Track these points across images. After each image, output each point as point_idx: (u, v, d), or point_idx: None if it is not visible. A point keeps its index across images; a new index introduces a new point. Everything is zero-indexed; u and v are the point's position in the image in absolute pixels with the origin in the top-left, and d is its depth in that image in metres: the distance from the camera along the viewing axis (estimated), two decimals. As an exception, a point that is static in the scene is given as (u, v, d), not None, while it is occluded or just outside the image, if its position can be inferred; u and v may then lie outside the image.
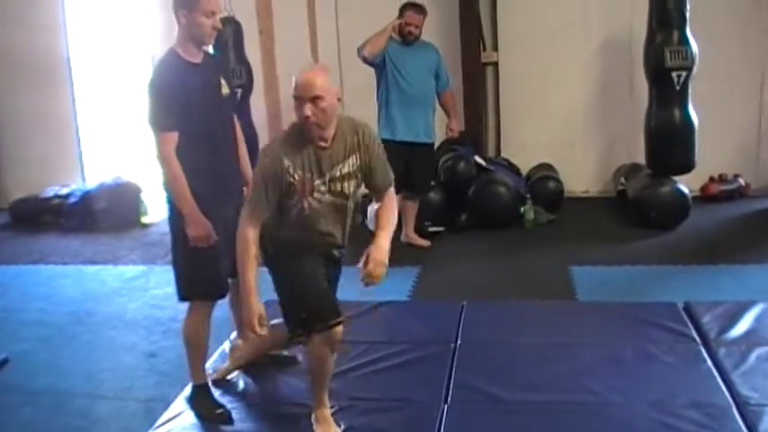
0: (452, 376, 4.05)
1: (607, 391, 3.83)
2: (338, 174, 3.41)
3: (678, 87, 7.11)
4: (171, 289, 5.35)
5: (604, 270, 5.95)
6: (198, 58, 3.76)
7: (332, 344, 3.50)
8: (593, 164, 8.55)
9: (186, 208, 3.64)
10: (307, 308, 3.47)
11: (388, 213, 3.59)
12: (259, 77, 7.99)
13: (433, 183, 7.04)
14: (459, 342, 4.43)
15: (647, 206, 7.18)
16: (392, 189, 3.63)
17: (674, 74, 7.09)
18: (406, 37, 6.49)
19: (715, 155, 7.95)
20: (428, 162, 6.90)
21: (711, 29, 7.54)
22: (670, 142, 7.26)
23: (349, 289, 5.81)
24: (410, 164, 6.51)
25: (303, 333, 3.49)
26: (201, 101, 3.70)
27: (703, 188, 8.16)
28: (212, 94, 3.81)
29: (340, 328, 3.48)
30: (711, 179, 8.19)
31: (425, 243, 6.91)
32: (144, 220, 8.12)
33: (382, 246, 3.44)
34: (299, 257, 3.51)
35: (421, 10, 6.55)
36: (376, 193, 3.64)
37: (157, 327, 5.26)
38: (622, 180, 7.93)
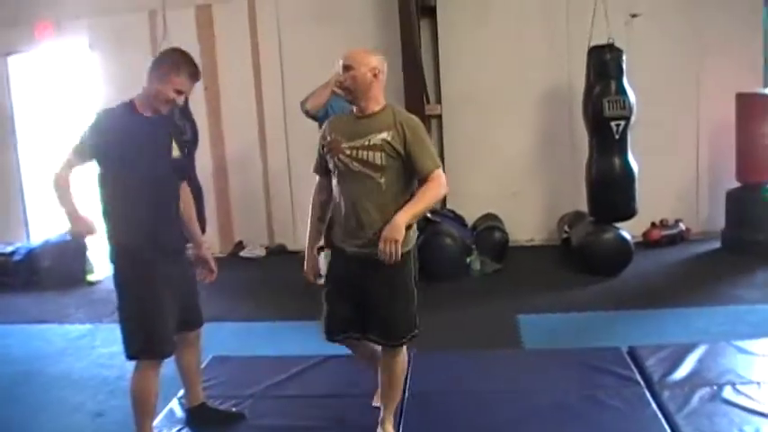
0: (401, 427, 4.07)
1: (554, 437, 3.88)
2: (367, 143, 3.74)
3: (617, 136, 7.27)
4: (118, 347, 5.29)
5: (550, 317, 6.02)
6: (151, 113, 3.82)
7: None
8: (537, 213, 8.67)
9: (66, 207, 3.68)
10: None
11: (420, 193, 3.76)
12: (204, 133, 8.01)
13: None
14: (407, 393, 4.43)
15: (591, 253, 7.29)
16: (437, 175, 3.76)
17: (612, 123, 7.25)
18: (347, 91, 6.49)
19: (656, 201, 8.12)
20: None
21: (648, 80, 7.77)
22: (611, 190, 7.40)
23: (297, 343, 5.88)
24: None
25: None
26: (145, 153, 3.74)
27: (645, 234, 8.31)
28: (158, 150, 3.85)
29: None
30: (653, 225, 8.35)
31: None
32: (90, 277, 8.03)
33: (396, 223, 3.64)
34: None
35: None
36: (418, 177, 3.80)
37: (104, 386, 5.18)
38: (566, 228, 8.05)
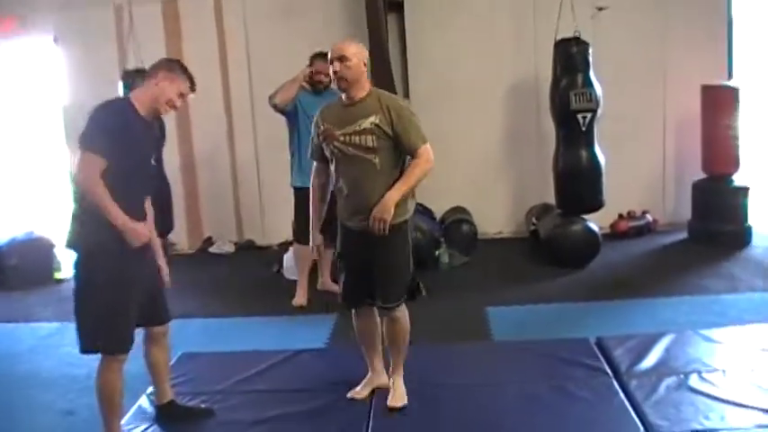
0: (370, 422, 4.08)
1: (522, 427, 3.92)
2: (357, 128, 4.09)
3: (584, 129, 7.31)
4: (86, 345, 5.26)
5: (519, 309, 6.05)
6: (148, 117, 3.86)
7: None
8: (505, 206, 8.71)
9: (119, 220, 3.64)
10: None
11: (409, 171, 4.15)
12: (172, 130, 7.97)
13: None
14: (376, 388, 4.45)
15: (559, 245, 7.34)
16: (423, 151, 4.13)
17: (579, 116, 7.29)
18: (315, 86, 6.46)
19: (623, 193, 8.19)
20: None
21: (614, 73, 7.83)
22: (578, 182, 7.45)
23: (266, 338, 5.88)
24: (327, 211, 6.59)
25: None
26: (138, 154, 3.78)
27: (613, 225, 8.37)
28: (146, 148, 3.91)
29: None
30: (620, 216, 8.41)
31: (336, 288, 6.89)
32: (57, 275, 7.96)
33: (384, 202, 4.06)
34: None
35: (327, 57, 6.54)
36: (407, 154, 4.17)
37: (74, 384, 5.13)
38: (534, 220, 8.09)
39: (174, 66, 3.90)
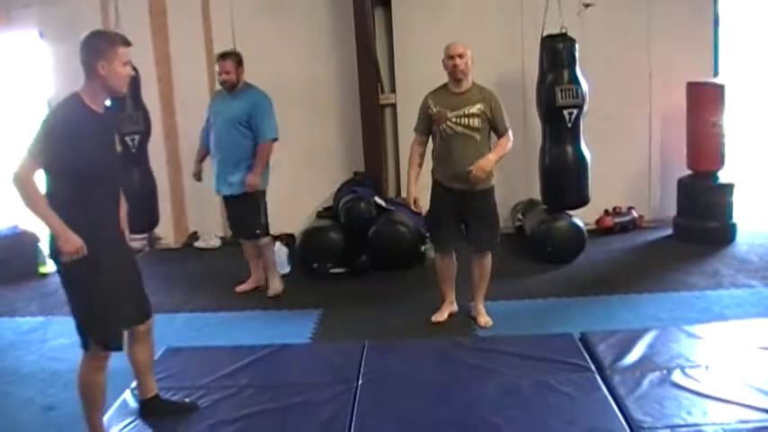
0: (354, 417, 4.06)
1: (505, 422, 3.91)
2: (466, 111, 5.42)
3: (570, 125, 7.32)
4: (69, 340, 5.23)
5: (504, 305, 6.06)
6: (100, 108, 3.78)
7: None
8: (491, 201, 8.69)
9: (52, 224, 3.59)
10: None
11: (501, 145, 5.54)
12: (157, 124, 7.94)
13: (265, 229, 6.68)
14: (360, 382, 4.46)
15: (544, 241, 7.35)
16: (509, 133, 5.55)
17: (565, 112, 7.30)
18: (223, 86, 6.45)
19: (609, 189, 8.22)
20: (249, 210, 6.54)
21: (600, 69, 7.85)
22: (564, 178, 7.46)
23: (251, 333, 5.89)
24: (234, 215, 6.78)
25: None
26: (95, 150, 3.71)
27: (598, 221, 8.40)
28: (106, 146, 3.85)
29: None
30: (606, 212, 8.44)
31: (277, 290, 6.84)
32: (42, 269, 7.92)
33: (488, 158, 5.40)
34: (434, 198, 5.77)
35: (228, 56, 6.42)
36: (496, 135, 5.55)
37: (56, 379, 5.13)
38: (519, 216, 8.11)
39: (100, 44, 3.71)
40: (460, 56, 5.38)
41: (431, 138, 5.67)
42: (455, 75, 5.44)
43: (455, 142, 5.44)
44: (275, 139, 6.45)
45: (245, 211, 6.56)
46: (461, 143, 5.42)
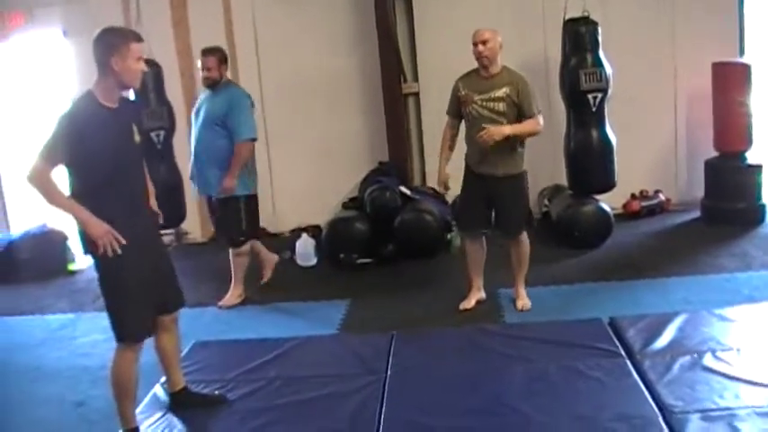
0: (383, 408, 4.06)
1: (535, 409, 3.89)
2: (492, 95, 5.47)
3: (594, 109, 7.28)
4: (99, 336, 5.31)
5: (531, 291, 6.01)
6: (115, 103, 3.78)
7: None
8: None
9: (78, 213, 3.65)
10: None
11: (523, 123, 5.48)
12: (181, 119, 7.96)
13: (242, 237, 6.38)
14: (389, 373, 4.46)
15: (571, 226, 7.31)
16: (536, 117, 5.51)
17: (589, 96, 7.25)
18: (204, 83, 6.22)
19: (635, 172, 8.16)
20: (229, 215, 6.27)
21: (624, 52, 7.77)
22: (589, 163, 7.41)
23: (279, 325, 5.90)
24: (215, 217, 6.48)
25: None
26: (113, 146, 3.72)
27: (625, 205, 8.33)
28: (124, 140, 3.84)
29: None
30: (633, 196, 8.37)
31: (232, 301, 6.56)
32: (71, 267, 7.98)
33: (501, 128, 5.39)
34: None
35: (210, 52, 6.20)
36: (524, 119, 5.49)
37: (85, 375, 5.17)
38: (546, 202, 8.07)
39: (113, 40, 3.71)
40: (484, 42, 5.44)
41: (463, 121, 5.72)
42: (481, 61, 5.50)
43: (480, 125, 5.46)
44: (254, 139, 6.18)
45: (225, 215, 6.28)
46: (486, 126, 5.42)
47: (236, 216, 6.25)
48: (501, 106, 5.45)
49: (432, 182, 8.44)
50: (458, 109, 5.67)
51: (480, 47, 5.45)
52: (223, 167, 6.07)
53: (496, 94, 5.46)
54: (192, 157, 6.31)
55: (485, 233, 5.91)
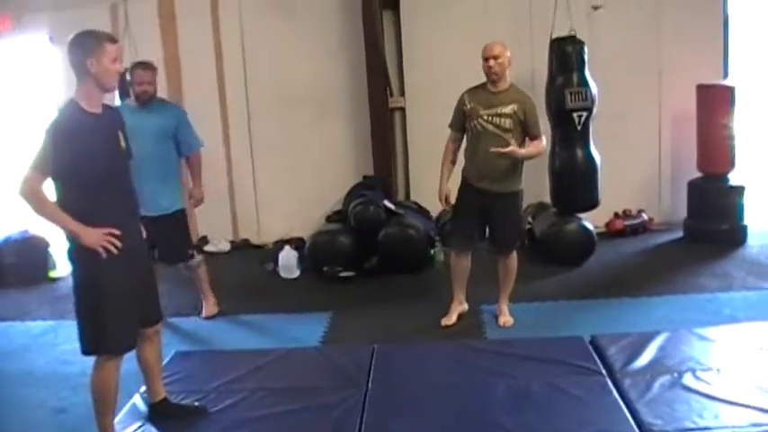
0: (364, 420, 4.06)
1: (516, 426, 3.90)
2: (499, 111, 5.44)
3: (579, 127, 7.32)
4: (80, 344, 5.23)
5: (514, 307, 6.02)
6: (98, 109, 3.78)
7: None
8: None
9: (69, 225, 3.64)
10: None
11: (532, 145, 5.57)
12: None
13: (192, 249, 6.40)
14: (370, 385, 4.46)
15: (554, 244, 7.33)
16: (541, 138, 5.60)
17: (574, 114, 7.30)
18: (139, 98, 5.91)
19: (619, 191, 8.19)
20: (180, 230, 6.17)
21: (609, 71, 7.83)
22: (574, 181, 7.46)
23: (260, 336, 5.89)
24: (162, 238, 5.71)
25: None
26: (99, 153, 3.71)
27: (608, 224, 8.37)
28: (110, 146, 3.83)
29: None
30: (616, 215, 8.41)
31: (212, 311, 6.49)
32: (52, 274, 7.93)
33: (519, 149, 5.44)
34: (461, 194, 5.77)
35: (149, 66, 6.02)
36: (529, 138, 5.57)
37: (66, 382, 5.14)
38: (529, 219, 8.08)
39: (87, 42, 3.71)
40: (495, 57, 5.41)
41: (465, 136, 5.72)
42: (490, 76, 5.49)
43: (484, 140, 5.46)
44: (202, 146, 6.26)
45: (177, 231, 6.11)
46: (490, 142, 5.42)
47: (186, 229, 6.25)
48: (507, 123, 5.44)
49: (416, 196, 8.48)
50: (462, 123, 5.64)
51: (491, 62, 5.42)
52: (167, 182, 5.96)
53: (504, 111, 5.44)
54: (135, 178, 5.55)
55: (477, 248, 5.90)
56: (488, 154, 5.40)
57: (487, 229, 5.82)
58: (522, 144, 5.51)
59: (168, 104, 6.28)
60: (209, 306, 6.48)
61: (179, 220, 6.11)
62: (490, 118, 5.45)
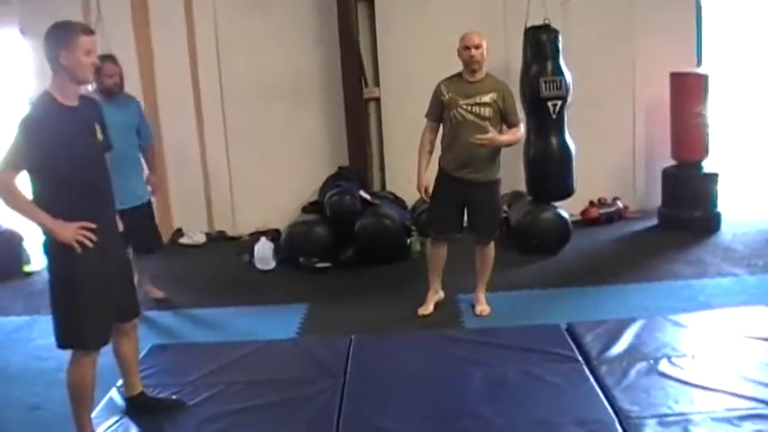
0: (341, 411, 4.05)
1: (493, 414, 3.91)
2: (478, 100, 5.47)
3: (554, 116, 7.35)
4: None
5: (490, 296, 6.04)
6: (74, 102, 3.73)
7: None
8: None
9: (43, 220, 3.61)
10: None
11: (509, 133, 5.61)
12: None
13: (159, 239, 6.74)
14: (348, 377, 4.45)
15: (530, 233, 7.36)
16: (519, 126, 5.68)
17: (549, 103, 7.33)
18: (109, 91, 5.91)
19: (594, 180, 8.23)
20: (151, 218, 6.37)
21: (584, 60, 7.85)
22: (549, 170, 7.48)
23: (237, 329, 5.87)
24: (137, 229, 5.73)
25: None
26: (74, 146, 3.66)
27: (584, 212, 8.41)
28: (86, 138, 3.78)
29: None
30: (591, 203, 8.45)
31: (161, 294, 6.66)
32: (27, 268, 7.85)
33: (500, 136, 5.46)
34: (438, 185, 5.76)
35: (113, 59, 6.09)
36: (507, 126, 5.60)
37: (41, 378, 5.08)
38: (505, 208, 8.08)
39: (60, 34, 3.66)
40: (477, 47, 5.45)
41: (441, 125, 5.69)
42: (471, 65, 5.50)
43: (464, 130, 5.46)
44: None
45: (149, 219, 6.33)
46: (470, 131, 5.41)
47: (153, 219, 6.43)
48: (487, 111, 5.46)
49: (392, 186, 8.47)
50: (439, 112, 5.62)
51: (473, 51, 5.44)
52: (138, 172, 6.22)
53: (483, 100, 5.46)
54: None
55: (457, 237, 5.93)
56: (469, 143, 5.40)
57: (468, 219, 5.83)
58: (500, 132, 5.50)
59: (130, 98, 6.34)
60: (156, 290, 6.67)
61: (147, 212, 6.29)
62: (470, 107, 5.46)
